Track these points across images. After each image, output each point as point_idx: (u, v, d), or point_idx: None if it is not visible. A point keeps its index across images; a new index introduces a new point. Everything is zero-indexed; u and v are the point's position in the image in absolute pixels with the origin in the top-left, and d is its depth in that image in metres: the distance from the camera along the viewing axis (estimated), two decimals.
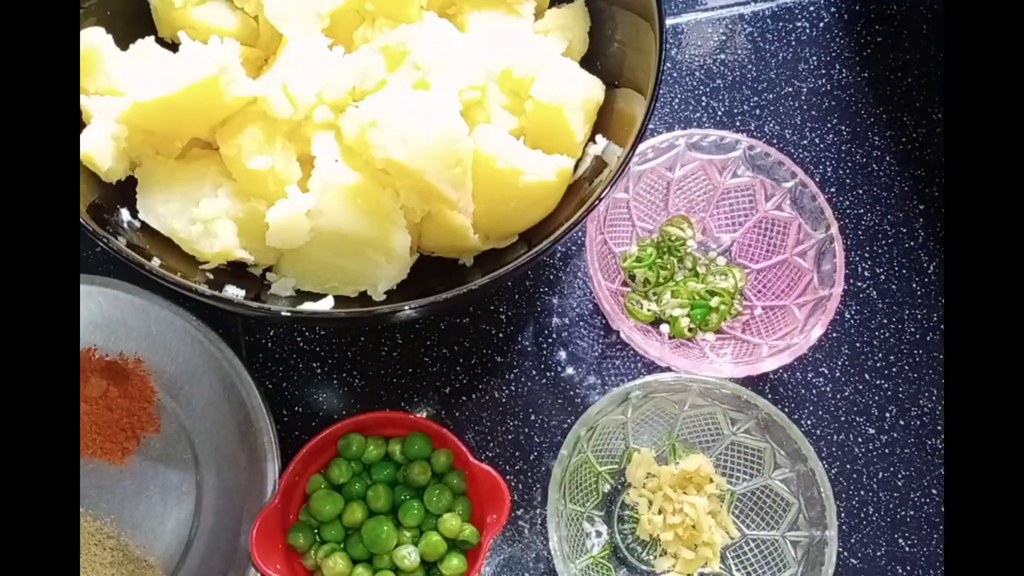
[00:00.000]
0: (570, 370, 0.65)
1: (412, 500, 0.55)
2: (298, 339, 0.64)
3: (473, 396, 0.64)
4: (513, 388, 0.64)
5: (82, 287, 0.61)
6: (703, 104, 0.74)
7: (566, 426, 0.64)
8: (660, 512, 0.59)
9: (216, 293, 0.49)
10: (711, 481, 0.60)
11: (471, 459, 0.55)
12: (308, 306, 0.53)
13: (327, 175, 0.56)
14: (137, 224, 0.55)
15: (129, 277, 0.61)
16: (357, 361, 0.64)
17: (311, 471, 0.57)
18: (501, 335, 0.66)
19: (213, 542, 0.58)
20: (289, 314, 0.50)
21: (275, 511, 0.53)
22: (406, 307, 0.50)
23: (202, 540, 0.58)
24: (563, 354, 0.66)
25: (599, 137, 0.59)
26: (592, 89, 0.60)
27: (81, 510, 0.58)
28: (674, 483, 0.60)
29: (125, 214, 0.55)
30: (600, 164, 0.59)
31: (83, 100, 0.55)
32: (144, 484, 0.60)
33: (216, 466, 0.60)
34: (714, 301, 0.64)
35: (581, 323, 0.67)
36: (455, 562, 0.54)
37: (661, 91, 0.74)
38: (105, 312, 0.61)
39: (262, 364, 0.63)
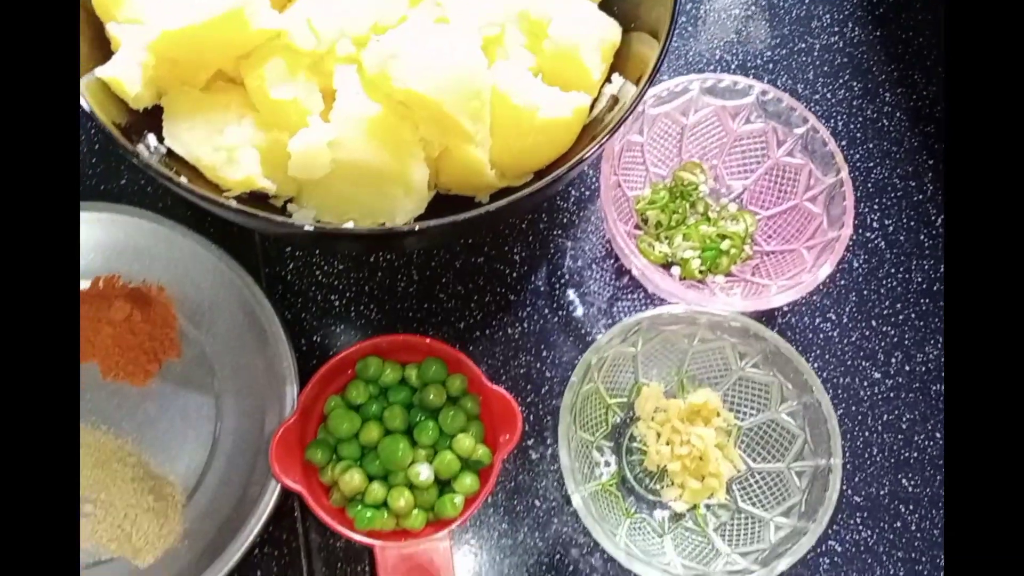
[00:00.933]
0: (581, 310, 0.67)
1: (427, 420, 0.56)
2: (317, 272, 0.66)
3: (486, 332, 0.65)
4: (526, 325, 0.66)
5: (107, 215, 0.62)
6: (716, 57, 0.75)
7: (576, 362, 0.65)
8: (668, 444, 0.60)
9: (243, 207, 0.50)
10: (718, 415, 0.61)
11: (485, 382, 0.56)
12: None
13: (348, 107, 0.57)
14: (163, 150, 0.57)
15: (154, 207, 0.63)
16: (374, 295, 0.66)
17: (329, 392, 0.58)
18: (515, 275, 0.67)
19: (232, 463, 0.59)
20: (312, 229, 0.51)
21: (294, 428, 0.55)
22: (425, 225, 0.51)
23: (221, 461, 0.60)
24: (575, 295, 0.67)
25: (615, 76, 0.60)
26: (609, 31, 0.61)
27: (103, 428, 0.60)
28: (682, 416, 0.61)
29: (152, 140, 0.57)
30: (616, 104, 0.61)
31: (112, 28, 0.57)
32: (165, 406, 0.61)
33: (236, 391, 0.61)
34: (724, 244, 0.65)
35: (593, 266, 0.68)
36: (468, 481, 0.55)
37: (675, 44, 0.75)
38: (130, 240, 0.63)
39: (281, 295, 0.65)
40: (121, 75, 0.56)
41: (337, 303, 0.65)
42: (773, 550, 0.55)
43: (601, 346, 0.57)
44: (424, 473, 0.55)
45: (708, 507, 0.60)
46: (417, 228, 0.53)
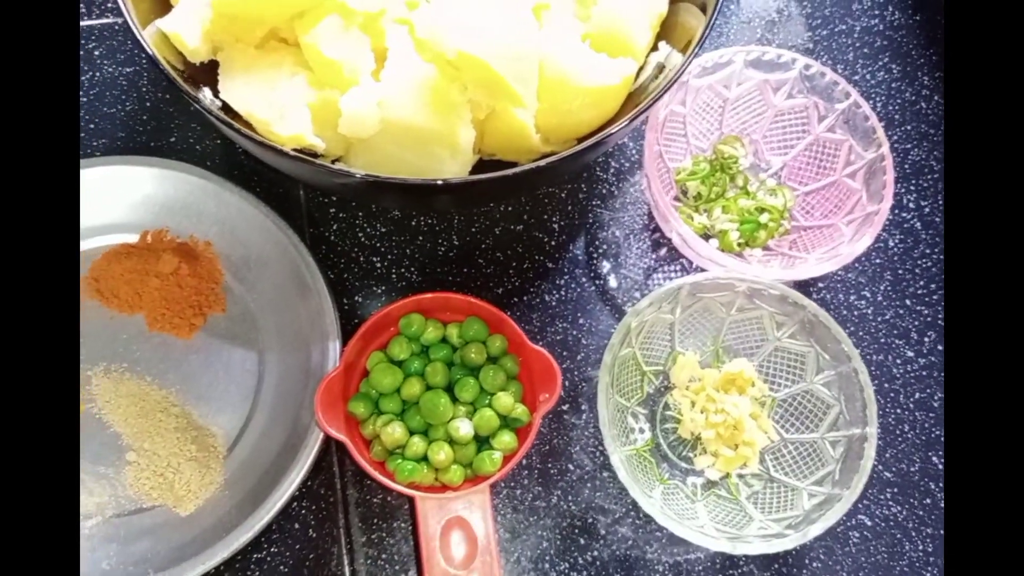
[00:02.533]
0: (618, 280, 0.67)
1: (468, 377, 0.57)
2: (359, 234, 0.67)
3: (524, 298, 0.66)
4: (563, 293, 0.67)
5: (157, 170, 0.63)
6: (758, 36, 0.76)
7: (612, 331, 0.66)
8: (703, 412, 0.61)
9: (301, 155, 0.51)
10: (753, 385, 0.61)
11: (526, 342, 0.57)
12: None
13: (399, 67, 0.58)
14: (218, 103, 0.58)
15: (202, 165, 0.64)
16: (415, 258, 0.66)
17: (372, 348, 0.59)
18: (553, 243, 0.68)
19: (273, 417, 0.60)
20: (365, 177, 0.51)
21: (337, 380, 0.56)
22: (477, 178, 0.52)
23: (263, 414, 0.61)
24: (612, 265, 0.68)
25: (662, 44, 0.61)
26: (657, 2, 0.62)
27: (148, 379, 0.61)
28: (717, 385, 0.61)
29: (207, 93, 0.58)
30: (661, 73, 0.61)
31: None
32: (209, 360, 0.62)
33: (279, 346, 0.62)
34: (763, 217, 0.66)
35: (631, 237, 0.69)
36: (506, 438, 0.56)
37: (717, 21, 0.76)
38: (179, 196, 0.64)
39: (324, 255, 0.66)
40: (180, 28, 0.57)
41: (379, 264, 0.66)
42: (807, 516, 0.55)
43: (641, 310, 0.57)
44: (464, 428, 0.56)
45: (741, 476, 0.61)
46: (470, 180, 0.53)
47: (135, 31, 0.53)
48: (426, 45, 0.58)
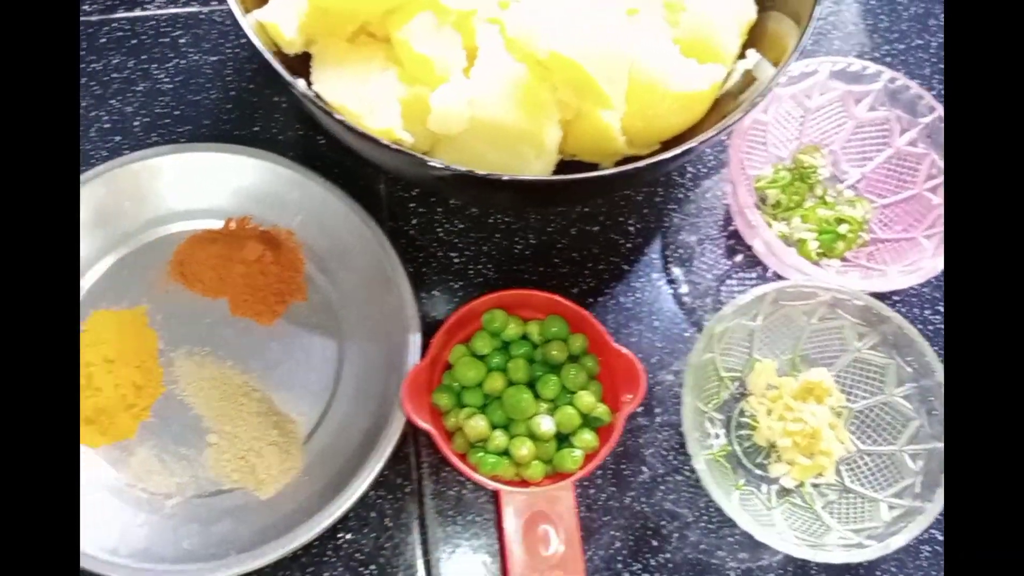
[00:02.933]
0: (693, 285, 0.68)
1: (550, 374, 0.57)
2: (438, 229, 0.67)
3: (599, 299, 0.67)
4: (638, 296, 0.67)
5: (243, 159, 0.64)
6: (835, 47, 0.76)
7: (688, 335, 0.66)
8: (780, 420, 0.61)
9: (391, 144, 0.52)
10: (831, 395, 0.61)
11: (609, 341, 0.57)
12: None
13: (490, 66, 0.59)
14: (311, 95, 0.58)
15: (284, 155, 0.65)
16: (491, 255, 0.67)
17: (453, 342, 0.59)
18: (629, 246, 0.68)
19: (353, 406, 0.61)
20: (464, 171, 0.51)
21: (423, 371, 0.56)
22: (581, 176, 0.52)
23: (342, 403, 0.61)
24: (687, 270, 0.68)
25: (750, 52, 0.61)
26: (746, 8, 0.62)
27: (230, 363, 0.62)
28: (795, 393, 0.62)
29: (301, 84, 0.58)
30: (748, 81, 0.62)
31: None
32: (290, 347, 0.63)
33: (359, 337, 0.63)
34: (842, 228, 0.66)
35: (707, 242, 0.69)
36: (587, 436, 0.57)
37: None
38: (264, 185, 0.64)
39: (403, 249, 0.66)
40: (278, 19, 0.58)
41: (456, 260, 0.67)
42: (887, 528, 0.55)
43: (726, 315, 0.58)
44: (546, 424, 0.56)
45: (815, 486, 0.61)
46: (566, 179, 0.54)
47: (239, 18, 0.53)
48: (517, 45, 0.59)
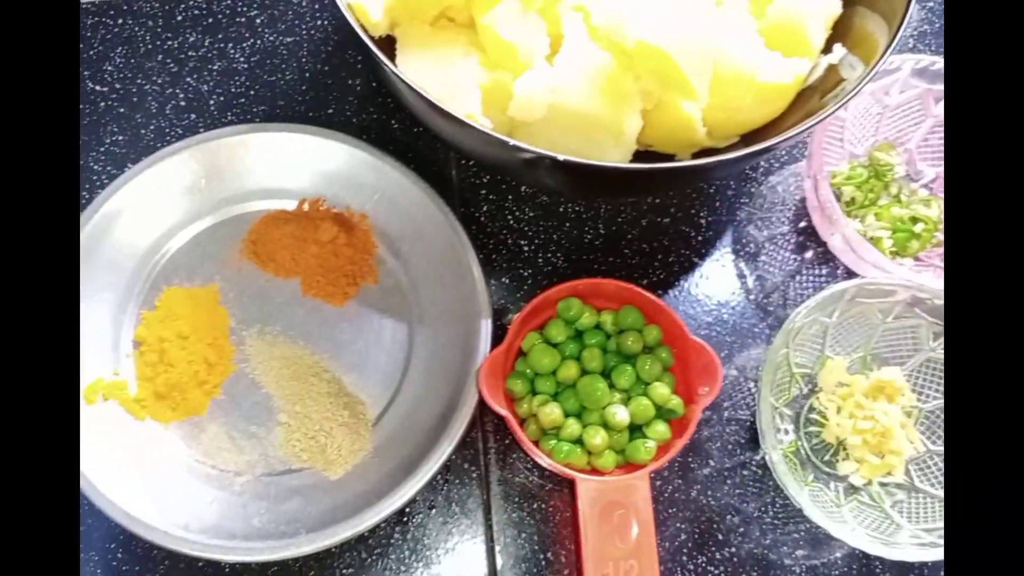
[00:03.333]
0: (763, 280, 0.67)
1: (625, 364, 0.57)
2: (508, 217, 0.67)
3: (669, 292, 0.66)
4: (708, 289, 0.67)
5: (318, 140, 0.64)
6: (910, 46, 0.75)
7: (757, 330, 0.66)
8: (850, 417, 0.60)
9: (479, 126, 0.51)
10: (902, 395, 0.61)
11: (687, 333, 0.57)
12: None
13: (575, 54, 0.59)
14: (402, 74, 0.58)
15: (358, 138, 0.65)
16: (561, 244, 0.67)
17: (527, 329, 0.59)
18: (699, 238, 0.68)
19: (422, 389, 0.61)
20: (554, 156, 0.51)
21: (500, 356, 0.56)
22: (680, 165, 0.53)
23: (411, 386, 0.62)
24: (757, 264, 0.68)
25: (837, 47, 0.60)
26: (831, 3, 0.62)
27: (301, 343, 0.62)
28: (866, 392, 0.61)
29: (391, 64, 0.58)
30: (831, 75, 0.61)
31: None
32: (360, 329, 0.63)
33: (430, 321, 0.63)
34: (917, 227, 0.65)
35: (777, 238, 0.69)
36: (660, 428, 0.56)
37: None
38: (339, 166, 0.65)
39: (474, 236, 0.66)
40: (366, 2, 0.58)
41: (526, 248, 0.67)
42: None
43: (804, 311, 0.57)
44: (620, 414, 0.56)
45: (883, 485, 0.60)
46: (649, 170, 0.54)
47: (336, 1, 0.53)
48: (602, 33, 0.59)
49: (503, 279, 0.66)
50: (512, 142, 0.52)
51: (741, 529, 0.61)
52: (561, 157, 0.51)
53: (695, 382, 0.57)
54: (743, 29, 0.60)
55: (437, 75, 0.60)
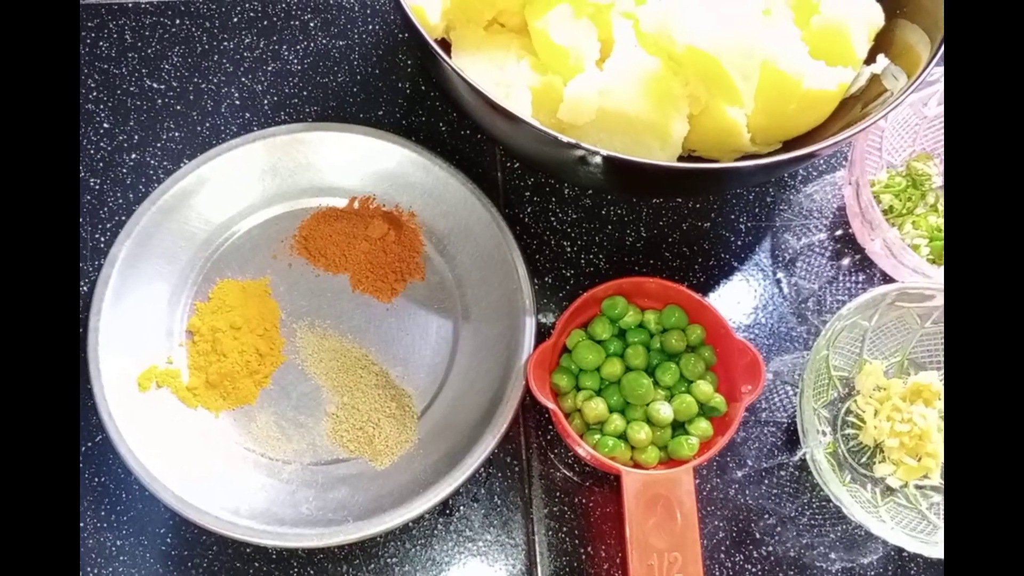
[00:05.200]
0: (801, 285, 0.68)
1: (669, 362, 0.58)
2: (552, 218, 0.69)
3: (709, 295, 0.67)
4: (746, 292, 0.68)
5: (369, 139, 0.66)
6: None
7: (794, 334, 0.67)
8: (888, 420, 0.61)
9: (536, 124, 0.53)
10: (940, 399, 0.62)
11: (731, 333, 0.58)
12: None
13: (625, 58, 0.60)
14: (463, 72, 0.60)
15: (411, 139, 0.66)
16: (603, 246, 0.68)
17: (572, 326, 0.61)
18: (739, 243, 0.69)
19: (467, 385, 0.62)
20: (606, 154, 0.52)
21: (548, 351, 0.58)
22: (736, 165, 0.54)
23: (456, 381, 0.63)
24: (795, 270, 0.69)
25: (880, 57, 0.62)
26: (875, 14, 0.63)
27: (350, 337, 0.64)
28: (903, 395, 0.62)
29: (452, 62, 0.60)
30: (873, 86, 0.63)
31: None
32: (406, 325, 0.64)
33: (475, 317, 0.64)
34: None
35: (815, 245, 0.70)
36: (703, 425, 0.57)
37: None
38: (390, 166, 0.66)
39: (518, 236, 0.67)
40: (424, 4, 0.60)
41: (569, 249, 0.68)
42: None
43: (847, 314, 0.58)
44: (664, 411, 0.57)
45: (919, 487, 0.61)
46: (696, 170, 0.55)
47: (401, 2, 0.55)
48: (652, 39, 0.60)
49: (546, 279, 0.67)
50: (566, 139, 0.53)
51: (778, 529, 0.62)
52: (614, 154, 0.52)
53: (738, 381, 0.58)
54: (788, 37, 0.61)
55: (490, 77, 0.62)
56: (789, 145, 0.64)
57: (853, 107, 0.63)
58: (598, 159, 0.53)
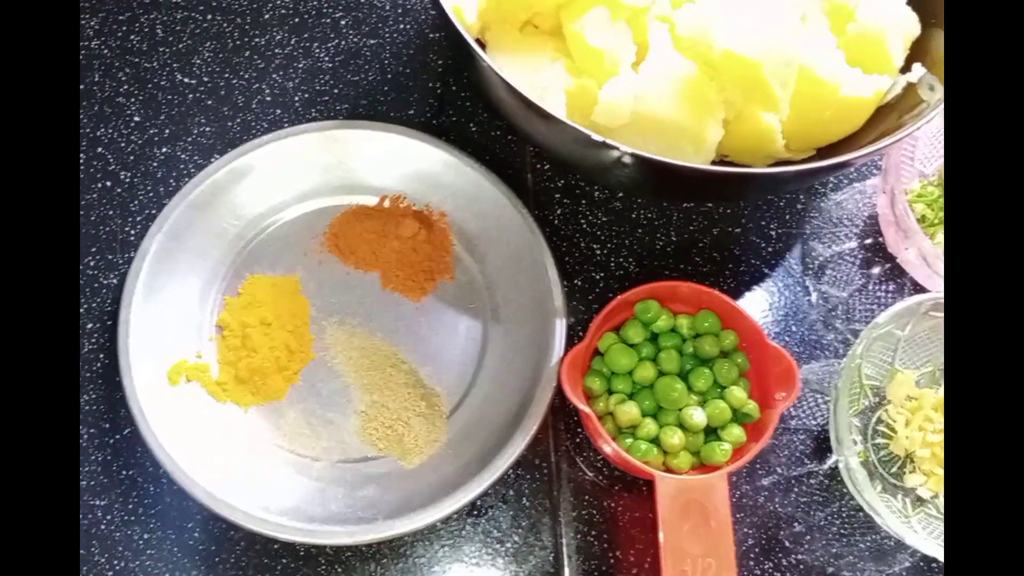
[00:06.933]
0: (831, 294, 0.68)
1: (703, 367, 0.58)
2: (582, 221, 0.68)
3: (739, 301, 0.67)
4: (777, 300, 0.68)
5: (401, 138, 0.65)
6: None
7: (824, 342, 0.67)
8: (920, 430, 0.61)
9: (573, 123, 0.53)
10: None
11: (765, 339, 0.58)
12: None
13: (660, 63, 0.60)
14: (499, 70, 0.60)
15: (442, 139, 0.66)
16: (633, 249, 0.68)
17: (604, 329, 0.60)
18: (770, 250, 0.69)
19: (496, 386, 0.62)
20: (641, 152, 0.52)
21: (581, 354, 0.57)
22: (779, 170, 0.53)
23: (485, 382, 0.62)
24: (826, 278, 0.69)
25: (916, 65, 0.62)
26: (911, 23, 0.63)
27: (380, 335, 0.63)
28: (936, 405, 0.62)
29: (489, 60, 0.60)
30: (908, 95, 0.62)
31: None
32: (436, 324, 0.64)
33: (504, 318, 0.64)
34: None
35: (845, 253, 0.70)
36: (736, 431, 0.57)
37: None
38: (421, 165, 0.66)
39: (547, 238, 0.67)
40: (462, 3, 0.60)
41: (598, 252, 0.68)
42: None
43: (882, 323, 0.58)
44: (697, 416, 0.57)
45: None
46: (727, 175, 0.55)
47: (440, 1, 0.55)
48: (688, 43, 0.60)
49: (575, 281, 0.67)
50: (602, 139, 0.53)
51: (807, 537, 0.61)
52: (653, 156, 0.52)
53: (771, 387, 0.58)
54: (825, 44, 0.61)
55: (526, 79, 0.62)
56: (822, 152, 0.64)
57: (888, 116, 0.63)
58: (636, 161, 0.53)
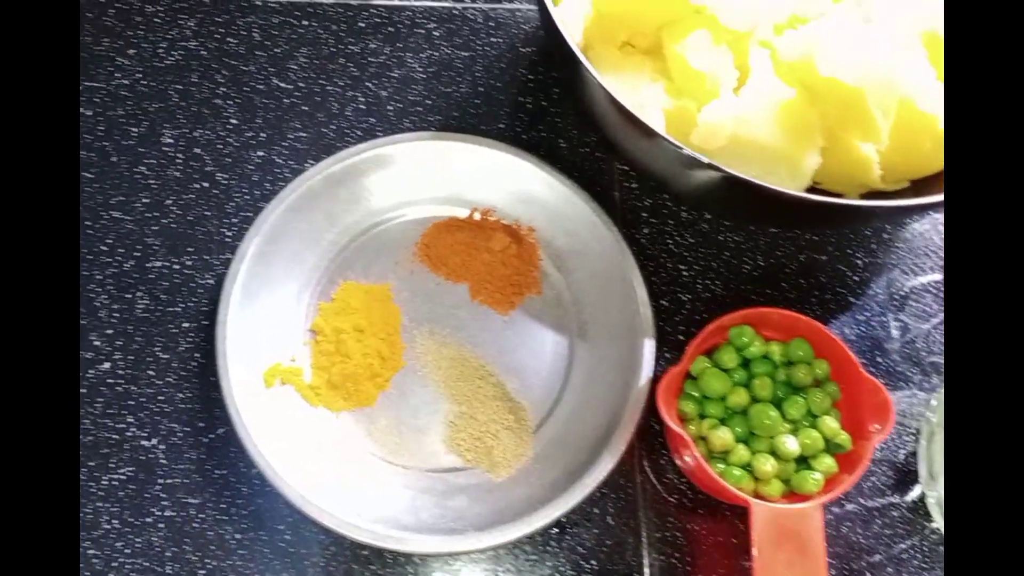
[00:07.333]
0: (914, 324, 0.68)
1: (797, 396, 0.58)
2: (668, 242, 0.69)
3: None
4: (863, 329, 0.68)
5: (493, 151, 0.66)
6: None
7: (910, 374, 0.67)
8: None
9: (673, 140, 0.53)
10: None
11: (859, 370, 0.58)
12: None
13: (762, 87, 0.60)
14: (606, 83, 0.60)
15: (532, 153, 0.67)
16: (720, 272, 0.68)
17: (697, 353, 0.61)
18: (855, 279, 0.69)
19: (582, 403, 0.62)
20: (745, 177, 0.53)
21: (677, 377, 0.58)
22: (868, 205, 0.53)
23: (571, 399, 0.63)
24: (910, 310, 0.69)
25: None
26: None
27: (468, 346, 0.64)
28: None
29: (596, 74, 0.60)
30: None
31: None
32: (523, 338, 0.64)
33: (592, 335, 0.64)
34: None
35: (929, 284, 0.69)
36: (828, 461, 0.57)
37: None
38: (512, 180, 0.66)
39: (635, 257, 0.68)
40: (568, 19, 0.60)
41: (685, 273, 0.68)
42: None
43: None
44: (791, 444, 0.57)
45: None
46: (848, 206, 0.55)
47: (550, 11, 0.56)
48: (790, 68, 0.60)
49: (661, 302, 0.67)
50: (709, 160, 0.53)
51: (888, 570, 0.61)
52: (755, 180, 0.52)
53: (863, 418, 0.58)
54: (924, 74, 0.61)
55: (628, 97, 0.61)
56: (915, 184, 0.64)
57: None
58: (735, 184, 0.53)
